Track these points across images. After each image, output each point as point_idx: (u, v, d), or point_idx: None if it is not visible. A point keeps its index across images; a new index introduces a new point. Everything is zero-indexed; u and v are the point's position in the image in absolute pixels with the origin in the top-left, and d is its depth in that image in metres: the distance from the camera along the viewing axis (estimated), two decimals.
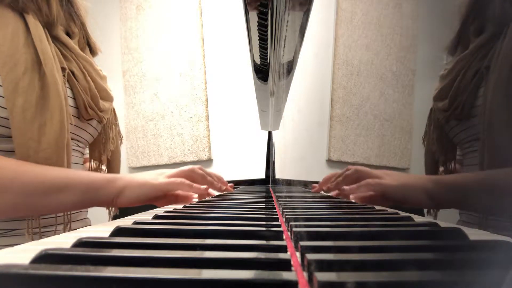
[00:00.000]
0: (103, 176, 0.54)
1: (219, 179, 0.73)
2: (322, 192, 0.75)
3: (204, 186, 0.60)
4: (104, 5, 1.99)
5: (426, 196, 0.52)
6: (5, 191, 0.46)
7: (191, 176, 0.61)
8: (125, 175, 0.56)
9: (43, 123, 0.51)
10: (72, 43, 0.61)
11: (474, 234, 0.24)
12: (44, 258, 0.16)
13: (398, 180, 0.55)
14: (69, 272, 0.14)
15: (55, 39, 0.58)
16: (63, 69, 0.57)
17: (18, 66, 0.50)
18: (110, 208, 0.74)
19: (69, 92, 0.59)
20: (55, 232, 0.58)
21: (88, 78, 0.62)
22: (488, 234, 0.27)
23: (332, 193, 0.70)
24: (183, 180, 0.57)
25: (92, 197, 0.52)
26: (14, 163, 0.49)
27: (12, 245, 0.21)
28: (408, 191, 0.53)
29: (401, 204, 0.59)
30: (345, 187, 0.58)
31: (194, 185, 0.58)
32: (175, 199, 0.61)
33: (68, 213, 0.59)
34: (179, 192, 0.60)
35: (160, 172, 0.59)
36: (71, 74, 0.59)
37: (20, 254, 0.20)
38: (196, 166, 0.64)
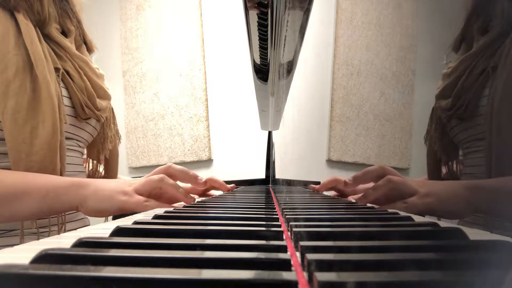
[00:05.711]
0: (67, 180, 0.50)
1: (220, 184, 0.71)
2: (324, 192, 0.75)
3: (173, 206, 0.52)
4: (104, 5, 1.99)
5: (467, 205, 0.48)
6: None
7: (161, 188, 0.53)
8: (94, 181, 0.51)
9: (35, 125, 0.50)
10: (67, 42, 0.60)
11: (474, 234, 0.24)
12: (44, 258, 0.16)
13: (438, 194, 0.49)
14: (69, 272, 0.14)
15: (48, 38, 0.57)
16: (57, 69, 0.56)
17: (9, 68, 0.49)
18: None
19: (64, 92, 0.58)
20: (49, 234, 0.57)
21: (84, 77, 0.61)
22: (488, 234, 0.27)
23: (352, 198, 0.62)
24: (149, 203, 0.50)
25: (52, 203, 0.48)
26: None
27: (12, 245, 0.21)
28: (450, 205, 0.49)
29: (440, 216, 0.54)
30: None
31: (160, 204, 0.51)
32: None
33: (63, 214, 0.59)
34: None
35: (129, 183, 0.53)
36: (65, 74, 0.58)
37: (20, 254, 0.20)
38: (169, 167, 0.57)
